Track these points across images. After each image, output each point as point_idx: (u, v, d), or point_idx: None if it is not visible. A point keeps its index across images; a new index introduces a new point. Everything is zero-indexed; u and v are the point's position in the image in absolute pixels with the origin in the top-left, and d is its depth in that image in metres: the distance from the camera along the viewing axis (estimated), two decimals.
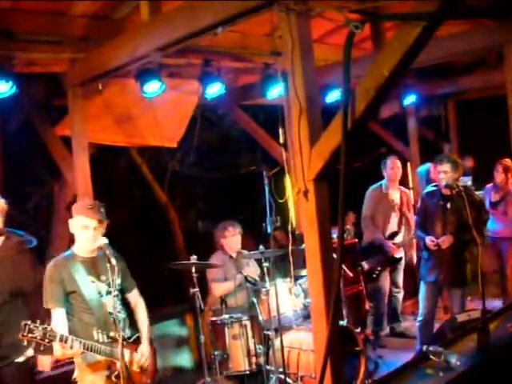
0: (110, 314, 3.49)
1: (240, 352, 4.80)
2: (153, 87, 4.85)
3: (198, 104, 6.32)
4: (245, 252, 5.41)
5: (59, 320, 3.37)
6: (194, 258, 4.85)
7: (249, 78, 6.65)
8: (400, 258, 6.21)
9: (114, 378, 3.40)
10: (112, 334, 3.44)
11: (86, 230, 3.44)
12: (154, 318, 5.81)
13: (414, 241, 6.31)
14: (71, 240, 3.93)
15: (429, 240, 4.98)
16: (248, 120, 7.57)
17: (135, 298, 3.81)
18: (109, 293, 3.49)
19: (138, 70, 4.69)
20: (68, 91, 4.91)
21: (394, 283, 6.29)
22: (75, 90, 4.87)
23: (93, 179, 4.96)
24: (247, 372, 4.82)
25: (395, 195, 6.23)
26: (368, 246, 6.15)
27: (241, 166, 9.47)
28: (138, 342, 3.66)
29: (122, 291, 3.70)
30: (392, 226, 6.18)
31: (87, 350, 3.33)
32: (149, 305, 3.89)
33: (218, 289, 5.18)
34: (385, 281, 6.14)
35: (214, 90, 5.43)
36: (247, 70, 6.21)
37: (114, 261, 3.34)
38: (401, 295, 6.39)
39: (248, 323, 4.85)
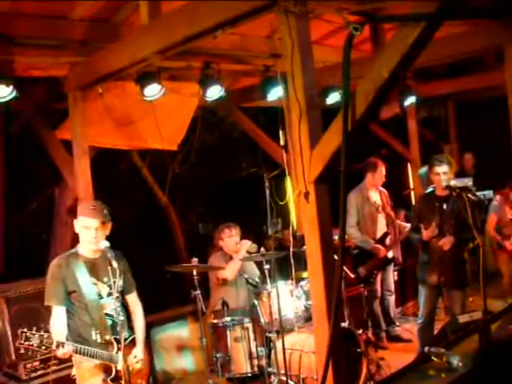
0: (108, 315, 3.54)
1: (242, 354, 4.80)
2: (153, 90, 4.85)
3: (198, 106, 6.33)
4: (248, 242, 5.30)
5: (58, 318, 3.44)
6: (194, 261, 4.85)
7: (249, 80, 6.66)
8: (392, 258, 6.20)
9: (109, 381, 3.46)
10: (107, 337, 3.50)
11: (88, 231, 3.50)
12: (156, 321, 5.85)
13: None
14: (72, 243, 3.95)
15: (425, 233, 4.87)
16: (248, 122, 7.57)
17: (133, 300, 3.84)
18: (110, 295, 3.55)
19: (138, 73, 4.70)
20: (68, 95, 4.92)
21: (385, 286, 6.24)
22: (75, 93, 4.88)
23: (93, 182, 4.96)
24: (249, 374, 4.82)
25: (376, 197, 6.16)
26: (359, 252, 6.11)
27: (241, 168, 9.48)
28: (133, 343, 3.69)
29: (123, 293, 3.73)
30: (381, 227, 6.11)
31: (82, 354, 3.36)
32: (150, 307, 3.89)
33: (228, 272, 5.12)
34: (378, 283, 6.14)
35: (214, 92, 5.42)
36: (247, 72, 6.21)
37: (115, 264, 3.40)
38: (392, 298, 6.33)
39: (250, 325, 4.84)
